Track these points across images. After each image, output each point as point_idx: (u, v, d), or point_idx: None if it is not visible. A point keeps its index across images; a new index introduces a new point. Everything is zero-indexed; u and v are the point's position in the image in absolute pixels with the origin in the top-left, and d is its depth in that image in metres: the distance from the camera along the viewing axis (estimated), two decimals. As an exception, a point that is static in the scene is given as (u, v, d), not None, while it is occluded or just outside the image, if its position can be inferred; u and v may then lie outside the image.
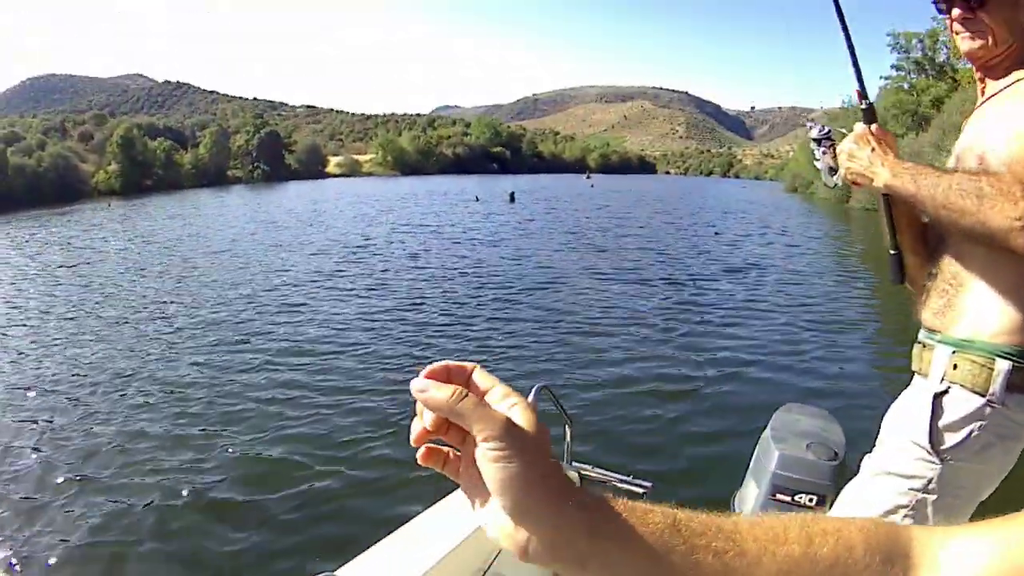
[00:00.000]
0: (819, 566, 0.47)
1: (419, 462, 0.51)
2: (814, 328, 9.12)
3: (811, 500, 2.06)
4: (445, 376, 0.50)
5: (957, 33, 1.53)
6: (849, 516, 0.51)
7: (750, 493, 2.16)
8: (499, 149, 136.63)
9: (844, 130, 1.65)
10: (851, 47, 1.57)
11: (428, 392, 0.47)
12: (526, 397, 1.46)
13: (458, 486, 0.51)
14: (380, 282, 12.20)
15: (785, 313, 10.07)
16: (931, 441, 1.38)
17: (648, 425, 5.44)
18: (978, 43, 1.48)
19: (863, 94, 1.59)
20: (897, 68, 45.56)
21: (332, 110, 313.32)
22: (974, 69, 1.59)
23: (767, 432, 2.27)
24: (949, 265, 1.46)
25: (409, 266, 13.95)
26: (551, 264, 14.22)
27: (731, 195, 63.18)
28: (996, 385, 1.33)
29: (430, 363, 0.49)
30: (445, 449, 0.51)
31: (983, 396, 1.34)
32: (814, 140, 1.65)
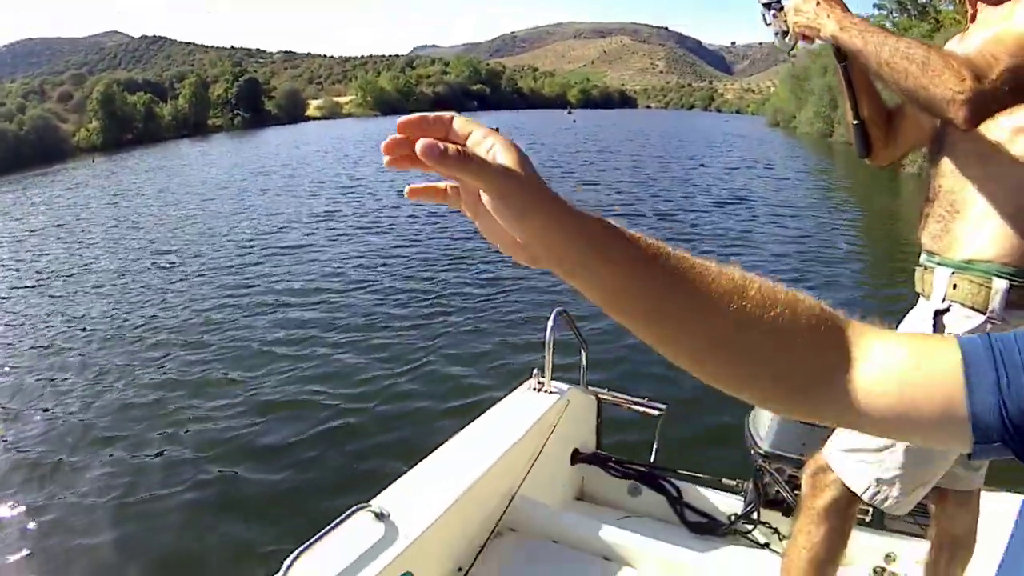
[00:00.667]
0: (766, 319, 0.53)
1: (408, 197, 0.55)
2: (811, 259, 9.27)
3: None
4: (420, 129, 0.49)
5: None
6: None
7: (765, 413, 2.17)
8: (479, 87, 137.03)
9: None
10: None
11: (425, 151, 0.45)
12: (547, 320, 2.20)
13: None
14: (374, 221, 12.16)
15: (781, 244, 10.22)
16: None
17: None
18: None
19: None
20: (879, 7, 44.64)
21: (310, 54, 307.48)
22: None
23: None
24: (945, 191, 1.49)
25: (402, 203, 13.76)
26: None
27: (714, 128, 62.81)
28: (995, 303, 1.37)
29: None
30: (441, 186, 0.53)
31: (983, 313, 1.38)
32: (764, 5, 1.61)
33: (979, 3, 1.54)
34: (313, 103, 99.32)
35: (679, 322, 0.54)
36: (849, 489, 1.49)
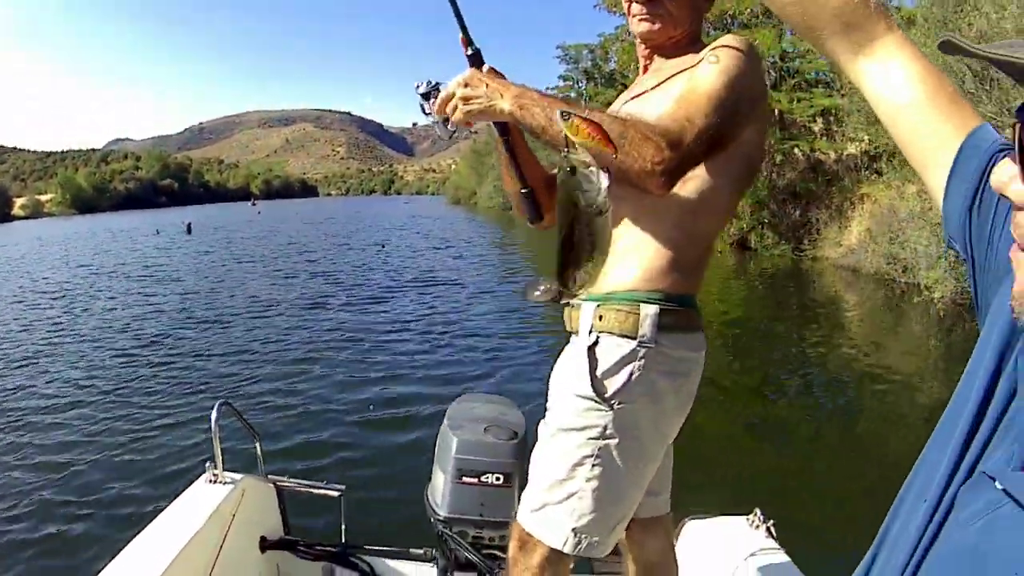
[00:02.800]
0: None
1: None
2: (485, 323, 9.77)
3: (498, 479, 2.15)
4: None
5: (635, 15, 1.54)
6: None
7: (439, 482, 2.21)
8: (168, 182, 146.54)
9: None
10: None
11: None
12: (210, 413, 2.30)
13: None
14: (79, 328, 10.65)
15: (458, 313, 10.65)
16: (595, 390, 1.40)
17: (335, 433, 5.55)
18: (657, 25, 1.51)
19: (468, 40, 1.50)
20: (564, 79, 46.60)
21: (15, 148, 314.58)
22: (641, 47, 1.61)
23: (444, 423, 2.34)
24: None
25: (108, 308, 12.53)
26: (233, 291, 13.93)
27: (395, 211, 66.47)
28: (645, 327, 1.39)
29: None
30: None
31: (633, 339, 1.39)
32: (422, 96, 1.53)
33: (654, 55, 1.60)
34: (18, 201, 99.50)
35: None
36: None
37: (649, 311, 1.39)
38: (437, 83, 1.51)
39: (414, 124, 1.76)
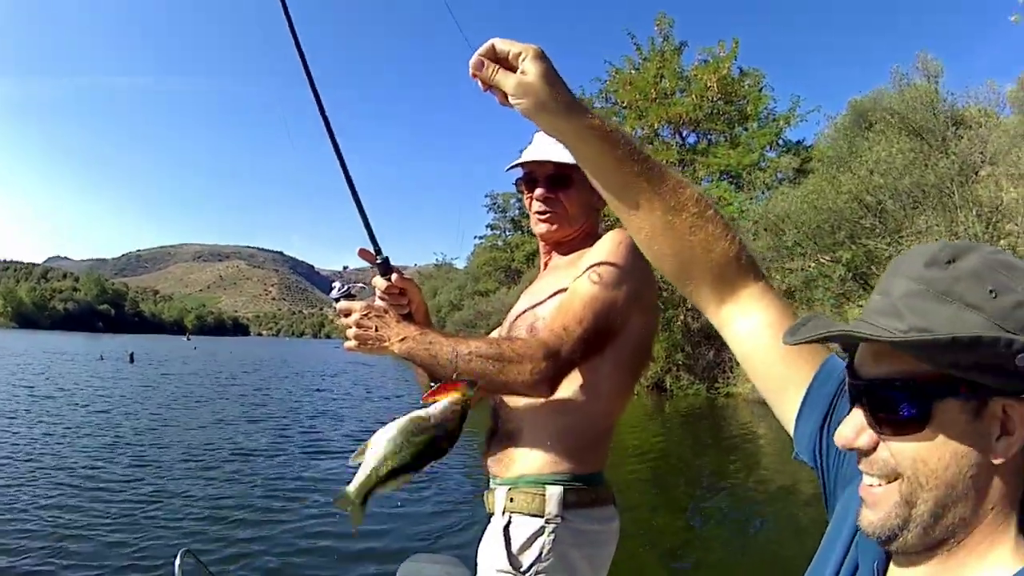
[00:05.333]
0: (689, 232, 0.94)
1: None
2: (429, 479, 9.10)
3: None
4: (492, 55, 0.95)
5: (536, 213, 1.70)
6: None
7: None
8: (105, 306, 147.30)
9: (363, 285, 1.69)
10: (361, 210, 1.55)
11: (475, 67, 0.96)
12: (173, 561, 2.17)
13: None
14: (28, 454, 9.97)
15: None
16: (512, 565, 1.49)
17: None
18: (555, 225, 1.69)
19: (377, 250, 1.58)
20: (492, 227, 47.31)
21: None
22: (542, 244, 1.77)
23: None
24: (503, 421, 1.65)
25: (62, 435, 11.83)
26: (184, 429, 13.34)
27: (328, 356, 64.48)
28: (551, 506, 1.50)
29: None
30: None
31: (541, 517, 1.50)
32: (335, 300, 1.61)
33: (552, 252, 1.77)
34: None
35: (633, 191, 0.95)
36: None
37: (554, 492, 1.51)
38: (349, 288, 1.62)
39: (345, 267, 1.63)
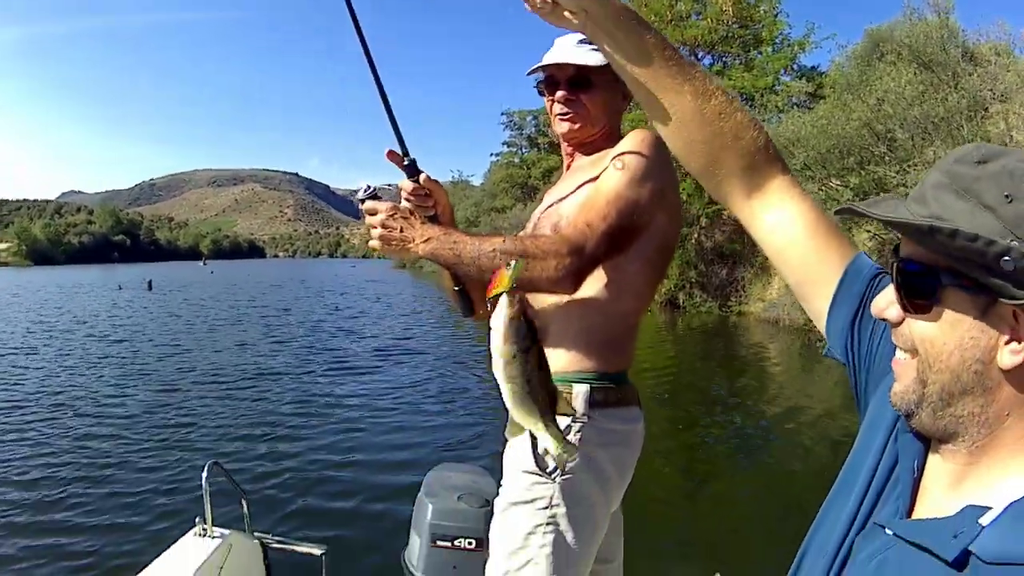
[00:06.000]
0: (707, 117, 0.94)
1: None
2: (455, 393, 9.68)
3: (470, 543, 2.21)
4: None
5: (557, 115, 1.68)
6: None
7: (415, 545, 2.29)
8: (120, 237, 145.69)
9: (390, 186, 1.68)
10: (388, 109, 1.57)
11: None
12: (201, 474, 2.37)
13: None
14: (56, 386, 10.22)
15: (432, 381, 10.54)
16: (538, 465, 1.49)
17: (320, 494, 5.61)
18: (578, 125, 1.66)
19: (404, 152, 1.60)
20: (508, 145, 47.42)
21: None
22: (564, 145, 1.76)
23: (421, 490, 2.43)
24: None
25: (91, 366, 12.12)
26: (206, 352, 13.62)
27: (345, 275, 64.17)
28: (577, 403, 1.49)
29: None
30: None
31: (567, 416, 1.46)
32: (360, 202, 1.61)
33: (576, 152, 1.75)
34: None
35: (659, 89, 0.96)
36: None
37: (580, 390, 1.51)
38: (375, 188, 1.61)
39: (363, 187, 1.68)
